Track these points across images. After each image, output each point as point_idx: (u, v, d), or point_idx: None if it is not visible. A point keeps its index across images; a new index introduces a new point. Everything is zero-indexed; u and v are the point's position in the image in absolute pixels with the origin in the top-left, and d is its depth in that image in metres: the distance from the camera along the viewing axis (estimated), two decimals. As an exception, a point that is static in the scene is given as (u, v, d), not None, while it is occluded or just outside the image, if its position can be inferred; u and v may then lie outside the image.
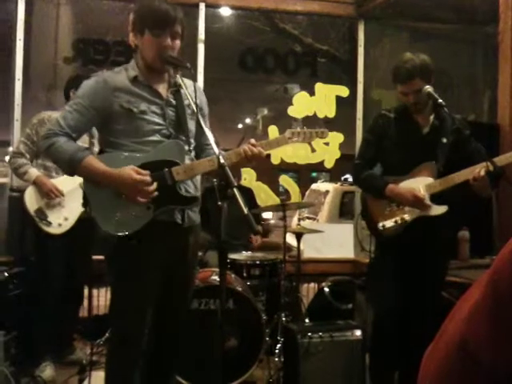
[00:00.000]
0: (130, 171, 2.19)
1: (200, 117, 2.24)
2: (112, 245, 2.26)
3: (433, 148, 2.90)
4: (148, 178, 2.21)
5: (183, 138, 2.34)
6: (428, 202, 2.83)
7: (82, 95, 2.29)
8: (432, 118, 2.95)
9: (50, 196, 3.50)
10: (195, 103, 2.21)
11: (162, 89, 2.36)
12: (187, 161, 2.32)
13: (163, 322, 2.41)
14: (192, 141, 2.39)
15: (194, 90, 2.24)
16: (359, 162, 3.05)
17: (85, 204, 2.28)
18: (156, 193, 2.22)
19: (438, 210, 2.85)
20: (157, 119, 2.31)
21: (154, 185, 2.22)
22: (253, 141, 2.32)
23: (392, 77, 2.89)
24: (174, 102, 2.36)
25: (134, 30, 2.30)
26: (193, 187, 2.38)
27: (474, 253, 3.69)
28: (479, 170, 2.67)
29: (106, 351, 2.51)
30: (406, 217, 2.86)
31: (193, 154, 2.39)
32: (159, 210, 2.26)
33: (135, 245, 2.23)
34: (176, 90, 2.37)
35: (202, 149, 2.48)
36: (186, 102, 2.37)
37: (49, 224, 3.51)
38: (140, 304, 2.28)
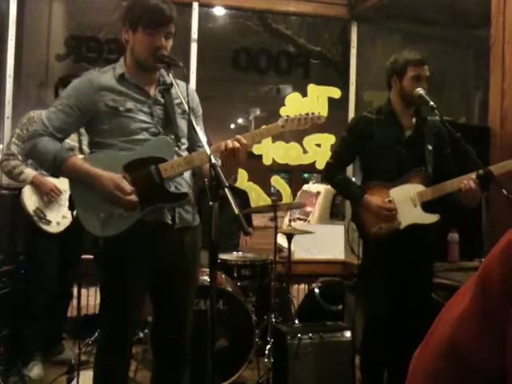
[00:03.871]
0: (112, 180, 2.12)
1: (192, 117, 2.14)
2: (99, 245, 2.21)
3: (417, 152, 2.89)
4: (128, 188, 2.14)
5: (172, 136, 2.28)
6: (397, 216, 2.83)
7: (68, 95, 2.24)
8: (414, 120, 2.95)
9: (50, 195, 3.47)
10: (187, 103, 2.11)
11: (150, 87, 2.30)
12: (175, 158, 2.24)
13: (168, 324, 2.37)
14: (184, 140, 2.33)
15: (185, 90, 2.17)
16: (332, 162, 3.03)
17: (71, 207, 2.21)
18: (135, 198, 2.15)
19: (430, 218, 2.87)
20: (144, 117, 2.25)
21: (133, 197, 2.15)
22: (237, 136, 2.17)
23: (401, 64, 2.85)
24: (162, 100, 2.30)
25: (126, 26, 2.23)
26: (185, 184, 2.30)
27: (464, 255, 3.69)
28: (471, 179, 2.65)
29: (95, 351, 2.49)
30: (399, 224, 2.84)
31: (185, 153, 2.31)
32: (146, 209, 2.19)
33: (122, 246, 2.17)
34: (165, 88, 2.32)
35: (194, 150, 2.40)
36: (176, 101, 2.32)
37: (48, 223, 3.48)
38: (125, 305, 2.25)
